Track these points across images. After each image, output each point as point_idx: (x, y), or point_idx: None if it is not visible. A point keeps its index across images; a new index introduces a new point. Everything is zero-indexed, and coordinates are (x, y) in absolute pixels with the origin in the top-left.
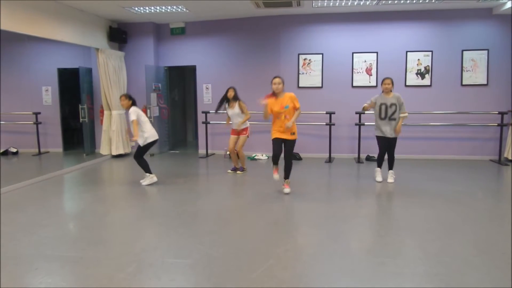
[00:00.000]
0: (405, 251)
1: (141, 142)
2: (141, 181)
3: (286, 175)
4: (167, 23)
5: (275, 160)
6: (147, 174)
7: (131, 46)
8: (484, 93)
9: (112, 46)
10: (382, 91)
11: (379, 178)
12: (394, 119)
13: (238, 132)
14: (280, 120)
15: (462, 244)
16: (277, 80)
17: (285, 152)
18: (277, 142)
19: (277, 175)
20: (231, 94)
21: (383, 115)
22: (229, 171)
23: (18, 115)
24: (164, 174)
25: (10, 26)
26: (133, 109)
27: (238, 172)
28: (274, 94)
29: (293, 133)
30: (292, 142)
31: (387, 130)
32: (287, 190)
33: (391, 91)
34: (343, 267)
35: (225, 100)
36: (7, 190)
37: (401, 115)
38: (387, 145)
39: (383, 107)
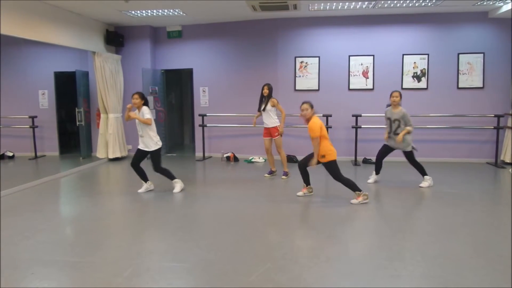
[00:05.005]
0: (403, 253)
1: (154, 147)
2: (173, 191)
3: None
4: (164, 26)
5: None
6: (174, 180)
7: (128, 50)
8: (480, 96)
9: (109, 50)
10: (390, 104)
11: (370, 180)
12: (398, 134)
13: (270, 133)
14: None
15: (460, 246)
16: (303, 106)
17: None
18: (309, 154)
19: (301, 192)
20: (266, 91)
21: (389, 129)
22: (266, 175)
23: (14, 118)
24: (160, 177)
25: (7, 30)
26: (148, 109)
27: (282, 177)
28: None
29: (323, 156)
30: (325, 165)
31: (391, 143)
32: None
33: (399, 104)
34: (341, 270)
35: (263, 98)
36: (4, 194)
37: (406, 127)
38: (385, 153)
39: (388, 122)
